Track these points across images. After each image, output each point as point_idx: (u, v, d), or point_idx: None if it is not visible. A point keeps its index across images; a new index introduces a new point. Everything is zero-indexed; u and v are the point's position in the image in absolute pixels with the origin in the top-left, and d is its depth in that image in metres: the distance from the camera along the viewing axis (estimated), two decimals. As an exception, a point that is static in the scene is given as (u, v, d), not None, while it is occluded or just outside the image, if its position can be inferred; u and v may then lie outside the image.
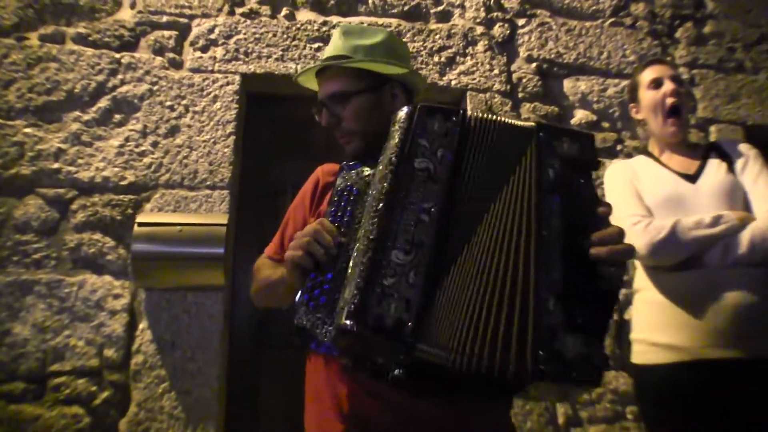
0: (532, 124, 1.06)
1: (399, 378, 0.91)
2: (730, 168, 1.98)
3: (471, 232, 0.96)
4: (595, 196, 1.02)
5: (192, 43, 2.76)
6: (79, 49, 2.70)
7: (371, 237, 0.92)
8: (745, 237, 1.80)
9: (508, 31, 3.06)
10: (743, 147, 2.04)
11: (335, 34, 1.49)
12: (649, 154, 2.14)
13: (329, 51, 1.47)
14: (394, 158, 0.99)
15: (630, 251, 0.99)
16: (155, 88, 2.67)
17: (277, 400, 2.62)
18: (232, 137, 2.66)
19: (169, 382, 2.40)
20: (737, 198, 1.92)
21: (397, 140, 1.01)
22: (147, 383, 2.39)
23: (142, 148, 2.61)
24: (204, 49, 2.75)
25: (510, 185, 1.00)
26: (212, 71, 2.73)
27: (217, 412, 2.41)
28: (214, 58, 2.75)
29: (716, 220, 1.83)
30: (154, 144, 2.61)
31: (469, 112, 1.05)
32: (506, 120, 1.06)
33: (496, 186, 1.00)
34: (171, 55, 2.73)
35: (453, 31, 2.98)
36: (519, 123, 1.06)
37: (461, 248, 0.95)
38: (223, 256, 2.42)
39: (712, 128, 3.11)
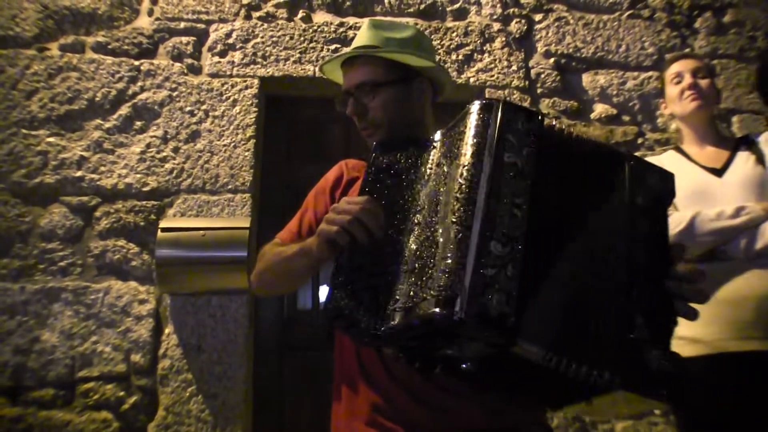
0: (622, 150, 1.09)
1: (470, 371, 0.89)
2: (760, 160, 1.96)
3: (560, 239, 0.95)
4: (668, 231, 1.04)
5: (210, 48, 2.78)
6: (99, 57, 2.72)
7: (467, 224, 0.87)
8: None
9: (525, 27, 3.04)
10: None
11: (364, 26, 1.48)
12: (680, 150, 2.13)
13: (358, 42, 1.45)
14: (483, 147, 0.95)
15: (701, 295, 1.00)
16: (175, 94, 2.69)
17: (302, 402, 2.63)
18: (252, 140, 2.67)
19: (196, 385, 2.41)
20: (766, 190, 1.89)
21: (479, 130, 0.97)
22: (174, 387, 2.40)
23: (164, 154, 2.62)
24: (222, 54, 2.77)
25: (600, 204, 1.01)
26: (231, 75, 2.75)
27: (243, 415, 2.42)
28: (233, 62, 2.76)
29: (738, 211, 1.80)
30: (175, 149, 2.63)
31: (546, 120, 1.04)
32: (587, 137, 1.09)
33: (585, 200, 1.01)
34: (189, 60, 2.75)
35: (470, 28, 2.97)
36: (605, 144, 1.10)
37: (551, 252, 0.94)
38: (247, 259, 2.43)
39: (735, 119, 3.07)
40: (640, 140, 2.98)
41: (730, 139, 2.13)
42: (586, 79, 3.03)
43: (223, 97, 2.71)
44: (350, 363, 1.27)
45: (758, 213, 1.80)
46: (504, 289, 0.82)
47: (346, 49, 1.53)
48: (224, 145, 2.65)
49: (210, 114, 2.68)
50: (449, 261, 0.85)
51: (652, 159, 2.18)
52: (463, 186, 0.91)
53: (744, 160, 1.97)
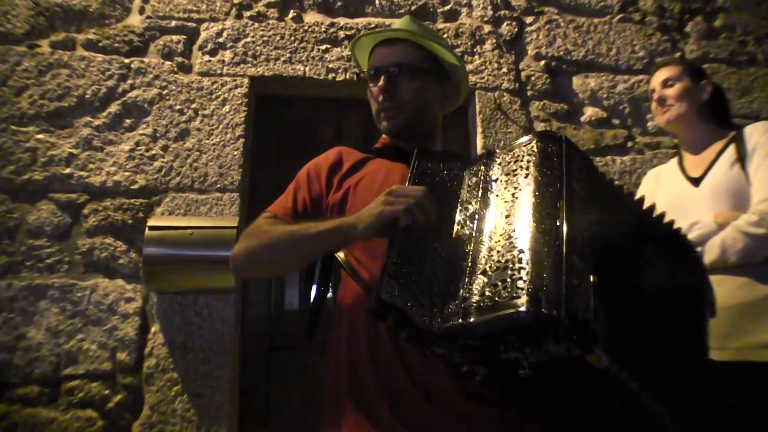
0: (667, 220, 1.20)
1: (527, 375, 0.89)
2: (741, 158, 1.87)
3: (613, 269, 0.99)
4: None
5: (200, 47, 2.78)
6: (90, 55, 2.72)
7: (554, 235, 0.92)
8: (716, 242, 1.74)
9: (516, 29, 3.04)
10: (757, 129, 1.91)
11: (404, 18, 1.49)
12: (679, 157, 2.10)
13: (402, 26, 1.46)
14: (557, 172, 1.03)
15: None
16: (165, 92, 2.69)
17: (288, 402, 2.62)
18: (242, 140, 2.67)
19: (182, 384, 2.41)
20: (744, 194, 1.82)
21: (549, 157, 1.06)
22: (159, 386, 2.40)
23: (153, 152, 2.62)
24: (212, 53, 2.77)
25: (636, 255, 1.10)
26: (221, 74, 2.75)
27: (229, 415, 2.41)
28: (223, 61, 2.76)
29: (691, 226, 1.77)
30: (165, 148, 2.63)
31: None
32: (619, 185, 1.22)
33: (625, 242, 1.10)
34: (180, 59, 2.75)
35: (461, 30, 2.97)
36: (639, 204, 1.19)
37: (617, 277, 0.99)
38: (235, 258, 2.42)
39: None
40: (629, 144, 2.98)
41: (725, 133, 2.02)
42: (577, 82, 3.04)
43: (213, 96, 2.71)
44: (357, 361, 1.21)
45: (709, 227, 1.77)
46: (586, 298, 0.86)
47: (393, 25, 1.53)
48: (213, 144, 2.65)
49: (199, 112, 2.68)
50: (539, 266, 0.88)
51: (655, 169, 2.22)
52: (544, 203, 0.98)
53: (725, 162, 1.90)
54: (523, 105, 2.94)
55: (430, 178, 1.14)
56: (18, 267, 2.47)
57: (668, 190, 2.01)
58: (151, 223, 2.48)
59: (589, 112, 3.00)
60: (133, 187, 2.59)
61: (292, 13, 2.89)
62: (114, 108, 2.66)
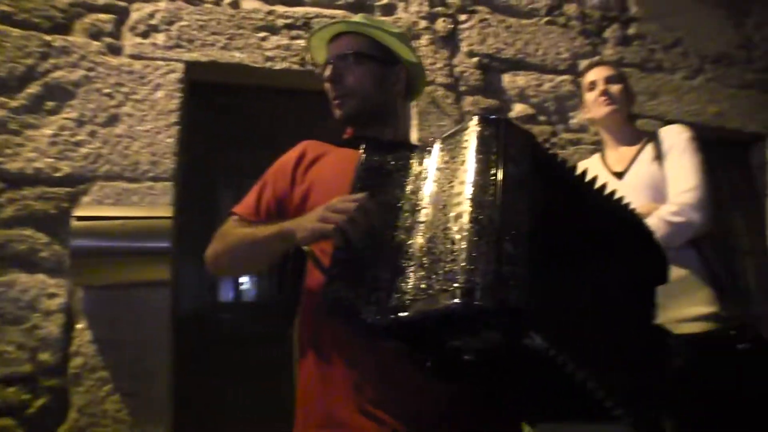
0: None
1: (471, 361, 0.94)
2: (659, 156, 2.07)
3: (553, 252, 1.01)
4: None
5: (131, 29, 2.61)
6: (4, 29, 2.49)
7: (484, 225, 0.93)
8: None
9: (451, 26, 3.12)
10: (672, 131, 2.14)
11: (356, 17, 1.56)
12: (601, 154, 2.25)
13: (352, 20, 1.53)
14: (492, 157, 1.02)
15: None
16: (92, 74, 2.51)
17: (226, 398, 2.54)
18: (175, 127, 2.54)
19: (113, 384, 2.26)
20: (661, 188, 2.01)
21: (486, 141, 1.05)
22: (88, 386, 2.24)
23: (79, 138, 2.44)
24: (144, 35, 2.61)
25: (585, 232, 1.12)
26: (153, 58, 2.60)
27: (165, 413, 2.30)
28: (156, 44, 2.61)
29: None
30: (92, 133, 2.45)
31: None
32: (569, 163, 1.21)
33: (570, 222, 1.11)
34: (109, 40, 2.57)
35: (397, 24, 2.99)
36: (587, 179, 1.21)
37: (552, 259, 1.00)
38: (170, 250, 2.32)
39: (637, 123, 3.29)
40: (554, 139, 3.13)
41: (644, 134, 2.24)
42: (507, 79, 3.15)
43: (145, 81, 2.56)
44: (326, 348, 1.26)
45: None
46: (518, 284, 0.88)
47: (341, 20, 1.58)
48: (145, 131, 2.51)
49: (130, 97, 2.53)
50: (470, 256, 0.89)
51: (581, 162, 2.32)
52: (477, 190, 0.97)
53: (644, 158, 2.09)
54: (457, 99, 3.02)
55: (376, 172, 1.18)
56: (-75, 261, 2.22)
57: None
58: (78, 213, 2.30)
59: (518, 108, 3.12)
60: (56, 174, 2.39)
61: (228, -1, 2.80)
62: (34, 89, 2.44)
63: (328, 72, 1.47)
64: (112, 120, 2.49)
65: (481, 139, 1.05)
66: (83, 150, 2.43)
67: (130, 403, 2.25)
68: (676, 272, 1.85)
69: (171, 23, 2.66)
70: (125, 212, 2.36)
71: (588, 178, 1.20)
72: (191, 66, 2.65)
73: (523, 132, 1.12)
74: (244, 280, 2.80)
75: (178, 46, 2.65)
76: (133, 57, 2.58)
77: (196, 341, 2.58)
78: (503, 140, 1.04)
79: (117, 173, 2.44)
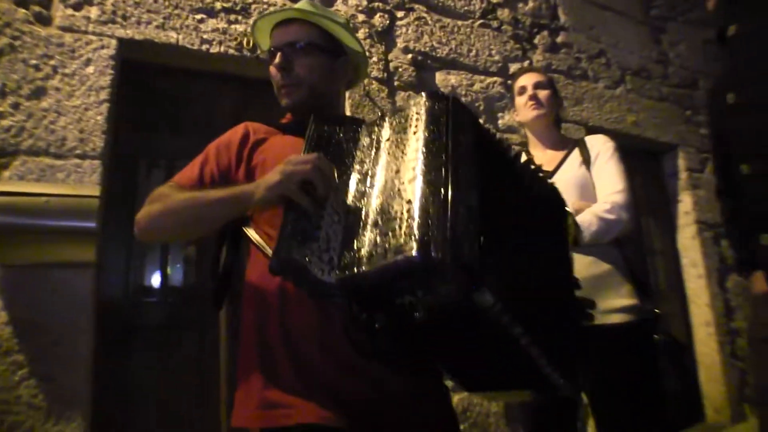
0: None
1: (422, 319, 0.95)
2: (586, 160, 2.23)
3: (497, 218, 1.08)
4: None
5: (62, -1, 2.53)
6: None
7: (440, 186, 0.97)
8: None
9: (388, 22, 3.17)
10: (599, 140, 2.31)
11: (303, 3, 1.53)
12: (527, 153, 2.37)
13: (299, 7, 1.51)
14: (443, 126, 1.07)
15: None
16: (17, 43, 2.41)
17: (150, 383, 2.50)
18: (106, 104, 2.48)
19: (29, 368, 2.18)
20: (589, 188, 2.18)
21: (435, 113, 1.09)
22: (1, 371, 2.15)
23: (0, 110, 2.34)
24: (77, 7, 2.53)
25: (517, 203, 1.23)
26: (85, 32, 2.52)
27: (84, 398, 2.24)
28: (88, 18, 2.53)
29: None
30: (15, 105, 2.36)
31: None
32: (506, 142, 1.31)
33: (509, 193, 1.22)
34: (37, 8, 2.47)
35: (336, 16, 3.02)
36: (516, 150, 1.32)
37: (503, 229, 1.08)
38: (96, 230, 2.26)
39: (562, 126, 3.45)
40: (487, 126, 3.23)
41: (569, 141, 2.40)
42: (440, 77, 3.23)
43: (76, 54, 2.48)
44: (270, 332, 1.28)
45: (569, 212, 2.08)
46: (471, 243, 0.93)
47: (286, 7, 1.57)
48: (74, 107, 2.43)
49: (59, 70, 2.44)
50: (426, 215, 0.93)
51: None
52: (430, 156, 1.02)
53: (573, 161, 2.24)
54: (390, 94, 3.07)
55: (326, 141, 1.21)
56: None
57: None
58: (-2, 188, 2.22)
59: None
60: (-26, 146, 2.29)
61: (165, -23, 2.74)
62: (-48, 55, 2.33)
63: (277, 60, 1.46)
64: (38, 93, 2.40)
65: (432, 111, 1.10)
66: (5, 122, 2.33)
67: (47, 389, 2.18)
68: (601, 267, 2.06)
69: (106, -3, 2.59)
70: (50, 189, 2.27)
71: (515, 154, 1.31)
72: (125, 43, 2.59)
73: (468, 109, 1.18)
74: (172, 266, 2.76)
75: (112, 21, 2.58)
76: (64, 29, 2.49)
77: (120, 326, 2.52)
78: (452, 112, 1.10)
79: (42, 148, 2.36)
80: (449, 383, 1.35)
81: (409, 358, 1.16)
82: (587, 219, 2.05)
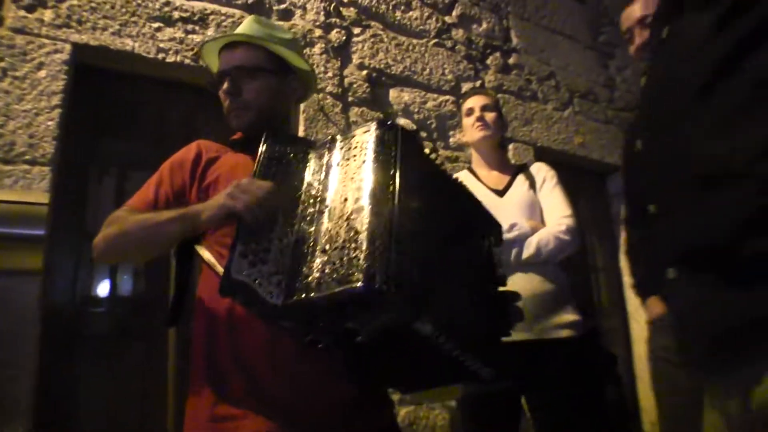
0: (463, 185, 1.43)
1: (362, 342, 1.01)
2: (532, 185, 2.36)
3: (439, 246, 1.15)
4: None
5: (15, 0, 2.49)
6: None
7: (390, 217, 1.02)
8: (533, 241, 2.18)
9: (344, 38, 3.22)
10: (543, 167, 2.44)
11: (248, 20, 1.57)
12: (471, 171, 2.47)
13: (243, 30, 1.53)
14: (392, 156, 1.13)
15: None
16: (-35, 43, 2.37)
17: (96, 394, 2.47)
18: (58, 110, 2.44)
19: (-32, 376, 2.15)
20: (536, 210, 2.31)
21: (384, 143, 1.15)
22: (-61, 378, 2.11)
23: (-55, 111, 2.30)
24: (30, 9, 2.49)
25: (460, 230, 1.32)
26: (38, 35, 2.48)
27: (25, 409, 2.18)
28: (42, 20, 2.50)
29: (511, 227, 2.17)
30: (-39, 107, 2.32)
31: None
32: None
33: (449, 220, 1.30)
34: (-12, 10, 2.44)
35: (293, 30, 3.06)
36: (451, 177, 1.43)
37: (442, 254, 1.15)
38: (44, 237, 2.24)
39: (510, 146, 3.56)
40: (432, 156, 3.30)
41: (512, 165, 2.52)
42: (393, 94, 3.30)
43: (28, 58, 2.44)
44: (220, 349, 1.31)
45: (526, 229, 2.19)
46: (413, 275, 0.99)
47: (231, 33, 1.60)
48: (24, 111, 2.39)
49: (9, 73, 2.40)
50: (372, 245, 0.98)
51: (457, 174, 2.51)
52: (377, 187, 1.07)
53: (520, 184, 2.36)
54: (344, 109, 3.12)
55: (277, 161, 1.25)
56: None
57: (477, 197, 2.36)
58: (-59, 192, 2.18)
59: (402, 123, 3.27)
60: None
61: (122, -16, 2.73)
62: None
63: (225, 86, 1.49)
64: (-14, 95, 2.36)
65: (381, 142, 1.15)
66: (-50, 124, 2.29)
67: (-13, 397, 2.14)
68: (548, 285, 2.18)
69: (61, 0, 2.56)
70: (-4, 195, 2.25)
71: (458, 181, 1.43)
72: (79, 48, 2.56)
73: (415, 139, 1.25)
74: (120, 275, 2.74)
75: (67, 26, 2.55)
76: (15, 30, 2.45)
77: (66, 335, 2.49)
78: (400, 144, 1.15)
79: (-12, 153, 2.33)
80: (395, 396, 1.41)
81: (355, 371, 1.21)
82: (544, 237, 2.18)
